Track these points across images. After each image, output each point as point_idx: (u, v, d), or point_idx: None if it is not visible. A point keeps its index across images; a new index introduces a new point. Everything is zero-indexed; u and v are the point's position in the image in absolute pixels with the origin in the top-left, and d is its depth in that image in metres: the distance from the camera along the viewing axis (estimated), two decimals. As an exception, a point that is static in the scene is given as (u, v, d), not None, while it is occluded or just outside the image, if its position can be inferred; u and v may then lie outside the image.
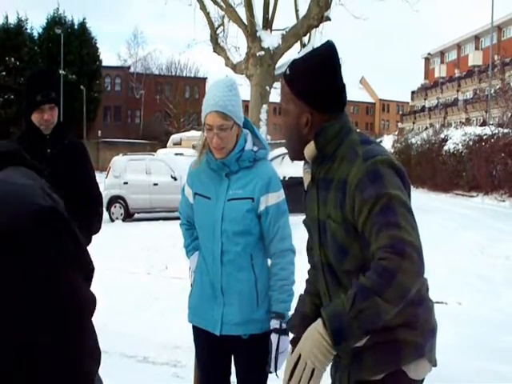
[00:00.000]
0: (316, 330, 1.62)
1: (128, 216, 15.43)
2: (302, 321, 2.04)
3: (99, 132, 52.53)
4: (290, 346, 2.14)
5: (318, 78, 1.81)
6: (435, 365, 1.91)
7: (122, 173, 15.46)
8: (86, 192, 3.13)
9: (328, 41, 1.89)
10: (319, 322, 1.63)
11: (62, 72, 41.22)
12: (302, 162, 2.00)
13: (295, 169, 12.95)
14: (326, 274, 1.91)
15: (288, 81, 1.85)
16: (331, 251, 1.84)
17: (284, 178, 11.33)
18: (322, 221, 1.87)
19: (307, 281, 2.15)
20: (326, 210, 1.84)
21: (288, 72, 1.86)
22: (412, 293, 1.58)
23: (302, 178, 2.03)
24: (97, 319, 0.89)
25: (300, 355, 1.64)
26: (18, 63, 46.43)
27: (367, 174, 1.70)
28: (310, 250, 2.09)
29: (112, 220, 15.08)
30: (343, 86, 1.86)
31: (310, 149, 1.86)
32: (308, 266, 2.15)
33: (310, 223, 1.99)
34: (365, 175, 1.70)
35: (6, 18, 48.29)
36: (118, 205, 15.36)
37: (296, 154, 1.94)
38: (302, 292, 2.16)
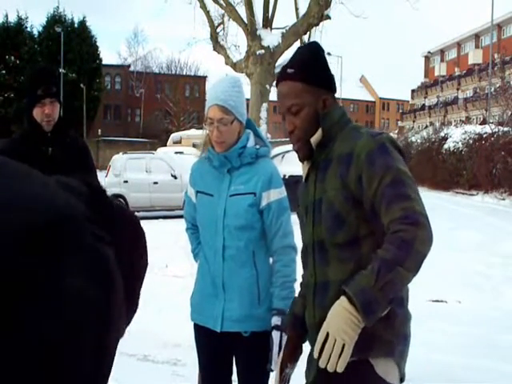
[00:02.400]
0: (341, 306, 1.66)
1: (128, 215, 15.40)
2: (293, 320, 2.12)
3: (99, 130, 52.45)
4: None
5: (323, 62, 2.01)
6: (403, 379, 1.92)
7: (122, 171, 15.46)
8: None
9: (312, 41, 2.17)
10: (343, 298, 1.67)
11: (62, 71, 41.16)
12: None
13: (295, 167, 12.94)
14: (316, 253, 1.96)
15: (296, 76, 1.96)
16: (325, 224, 1.91)
17: (284, 176, 11.32)
18: (318, 199, 1.94)
19: (301, 284, 2.20)
20: (324, 186, 1.92)
21: (291, 70, 1.97)
22: (425, 259, 1.68)
23: (302, 175, 2.06)
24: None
25: (328, 333, 1.67)
26: (18, 62, 46.40)
27: (377, 148, 1.81)
28: (304, 250, 2.13)
29: (112, 219, 15.05)
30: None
31: (316, 134, 1.96)
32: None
33: (303, 210, 2.04)
34: (374, 148, 1.81)
35: (6, 16, 48.32)
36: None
37: (310, 147, 1.98)
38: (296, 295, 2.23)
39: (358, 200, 1.82)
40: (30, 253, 0.57)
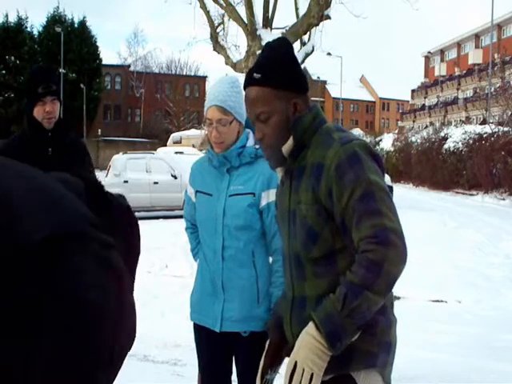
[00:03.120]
0: (309, 333, 1.62)
1: (128, 215, 15.40)
2: (276, 322, 2.05)
3: (99, 130, 52.46)
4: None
5: (291, 61, 1.89)
6: None
7: (122, 171, 15.45)
8: None
9: (279, 37, 2.01)
10: (311, 325, 1.62)
11: (62, 71, 41.17)
12: None
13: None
14: (293, 267, 1.89)
15: (264, 82, 1.85)
16: (299, 239, 1.82)
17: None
18: (292, 209, 1.85)
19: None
20: (298, 197, 1.83)
21: (257, 75, 1.86)
22: (398, 279, 1.60)
23: None
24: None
25: (296, 362, 1.63)
26: (18, 62, 46.41)
27: (346, 158, 1.70)
28: (283, 257, 2.07)
29: (112, 219, 15.06)
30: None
31: (288, 143, 1.86)
32: None
33: (280, 218, 1.98)
34: (344, 159, 1.70)
35: (6, 16, 48.34)
36: (118, 203, 15.35)
37: (282, 155, 1.89)
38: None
39: (331, 213, 1.74)
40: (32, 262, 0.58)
